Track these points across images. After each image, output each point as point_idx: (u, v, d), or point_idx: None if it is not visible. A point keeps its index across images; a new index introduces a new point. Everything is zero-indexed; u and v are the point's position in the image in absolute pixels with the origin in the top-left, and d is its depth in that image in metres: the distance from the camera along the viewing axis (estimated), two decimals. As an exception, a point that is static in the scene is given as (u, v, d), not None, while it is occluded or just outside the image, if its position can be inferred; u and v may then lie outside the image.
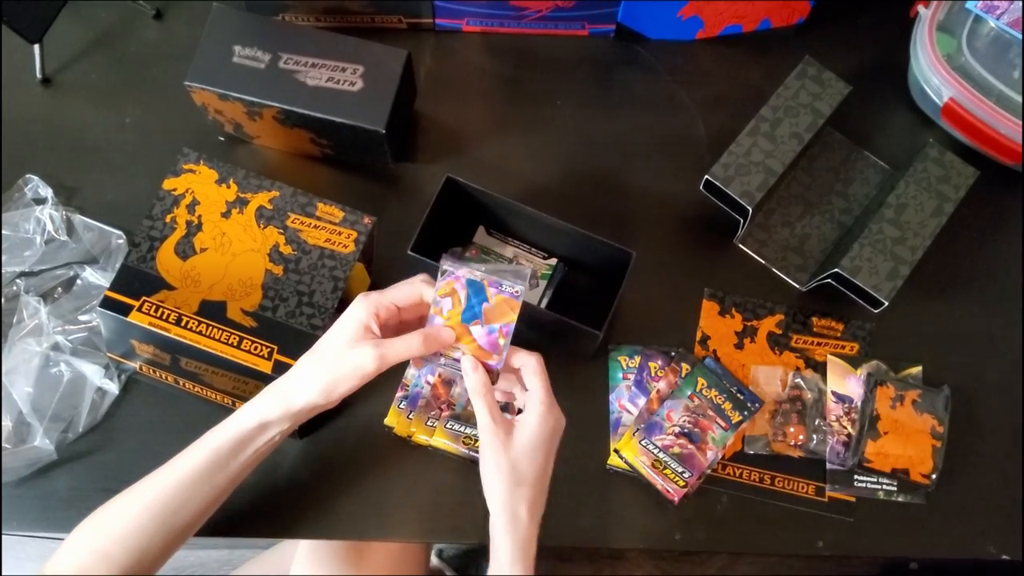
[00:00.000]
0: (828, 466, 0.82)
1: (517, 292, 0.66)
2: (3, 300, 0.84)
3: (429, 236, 0.81)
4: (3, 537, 0.77)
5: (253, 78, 0.82)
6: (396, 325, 0.67)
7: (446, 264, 0.66)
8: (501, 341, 0.65)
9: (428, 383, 0.83)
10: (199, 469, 0.66)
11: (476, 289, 0.66)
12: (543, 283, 0.85)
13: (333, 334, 0.65)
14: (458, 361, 0.66)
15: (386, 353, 0.63)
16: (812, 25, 0.99)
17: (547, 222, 0.80)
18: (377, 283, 0.86)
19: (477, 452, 0.80)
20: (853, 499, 0.82)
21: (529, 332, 0.79)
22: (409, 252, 0.78)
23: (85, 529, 0.66)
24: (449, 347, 0.66)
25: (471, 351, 0.66)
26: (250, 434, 0.66)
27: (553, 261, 0.86)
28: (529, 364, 0.66)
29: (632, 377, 0.84)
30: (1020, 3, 0.87)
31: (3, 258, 0.85)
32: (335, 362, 0.63)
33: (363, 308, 0.64)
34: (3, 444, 0.78)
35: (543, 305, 0.83)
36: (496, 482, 0.63)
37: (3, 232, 0.85)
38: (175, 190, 0.78)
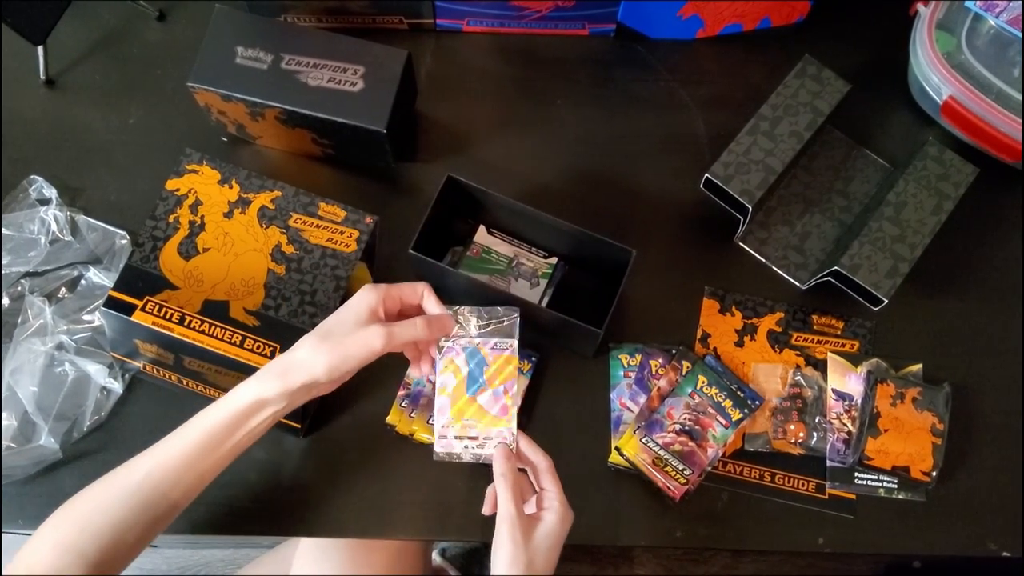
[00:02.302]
0: (828, 463, 0.83)
1: (513, 347, 0.69)
2: (8, 300, 0.85)
3: (430, 235, 0.82)
4: (10, 536, 0.78)
5: (255, 79, 0.83)
6: (396, 319, 0.68)
7: (443, 341, 0.70)
8: (508, 401, 0.68)
9: (430, 382, 0.83)
10: (189, 451, 0.65)
11: (473, 355, 0.69)
12: (543, 282, 0.85)
13: (341, 316, 0.66)
14: (480, 446, 0.69)
15: (393, 332, 0.64)
16: (812, 24, 0.99)
17: (547, 221, 0.80)
18: (379, 282, 0.86)
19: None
20: (853, 496, 0.82)
21: (530, 332, 0.79)
22: (410, 251, 0.78)
23: (55, 522, 0.63)
24: (449, 334, 0.69)
25: (487, 424, 0.68)
26: (246, 411, 0.65)
27: (553, 260, 0.86)
28: (543, 464, 0.68)
29: (633, 375, 0.84)
30: (1019, 1, 0.87)
31: (8, 259, 0.85)
32: (344, 339, 0.64)
33: (374, 294, 0.66)
34: (9, 443, 0.79)
35: (543, 304, 0.84)
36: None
37: (9, 233, 0.86)
38: (178, 190, 0.79)
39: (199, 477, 0.66)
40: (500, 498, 0.65)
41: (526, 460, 0.69)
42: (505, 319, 0.70)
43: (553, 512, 0.66)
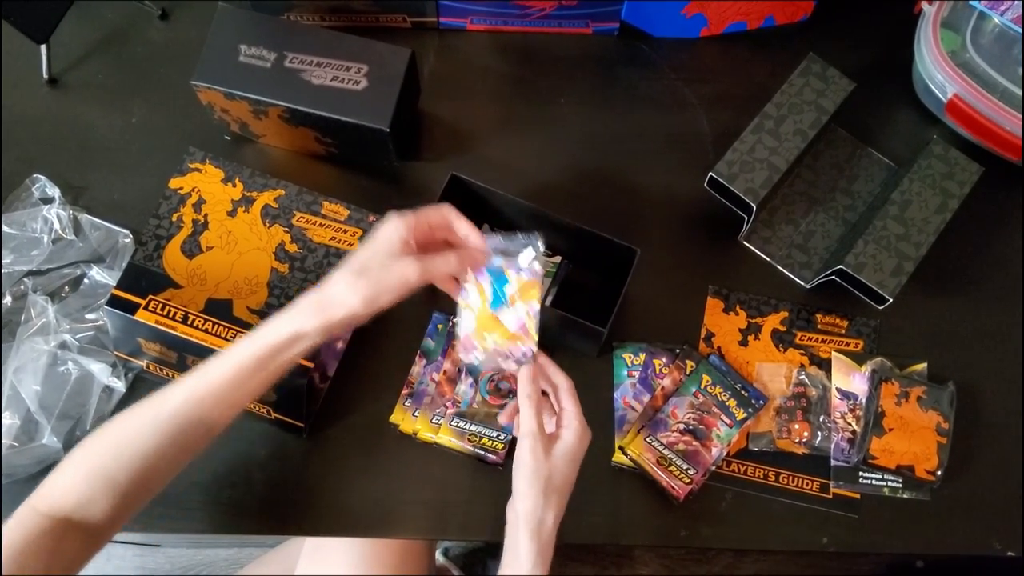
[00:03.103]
0: (833, 463, 0.82)
1: (536, 271, 0.69)
2: (11, 299, 0.84)
3: None
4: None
5: (259, 77, 0.82)
6: (425, 247, 0.68)
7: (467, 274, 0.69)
8: (528, 322, 0.69)
9: (433, 380, 0.83)
10: (224, 380, 0.64)
11: (497, 276, 0.69)
12: (547, 281, 0.85)
13: (373, 248, 0.65)
14: (505, 358, 0.70)
15: (429, 267, 0.64)
16: (816, 22, 0.99)
17: (552, 219, 0.80)
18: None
19: (482, 449, 0.80)
20: (858, 496, 0.82)
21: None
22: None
23: (88, 448, 0.64)
24: (482, 264, 0.69)
25: (507, 340, 0.69)
26: (282, 345, 0.64)
27: (557, 259, 0.86)
28: (564, 385, 0.70)
29: (637, 374, 0.84)
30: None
31: (11, 257, 0.85)
32: (380, 272, 0.64)
33: (403, 224, 0.65)
34: (11, 442, 0.78)
35: (547, 302, 0.84)
36: (529, 487, 0.66)
37: (12, 232, 0.86)
38: (181, 189, 0.79)
39: (232, 406, 0.66)
40: (524, 416, 0.67)
41: (547, 380, 0.71)
42: (528, 246, 0.70)
43: (571, 430, 0.68)
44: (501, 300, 0.69)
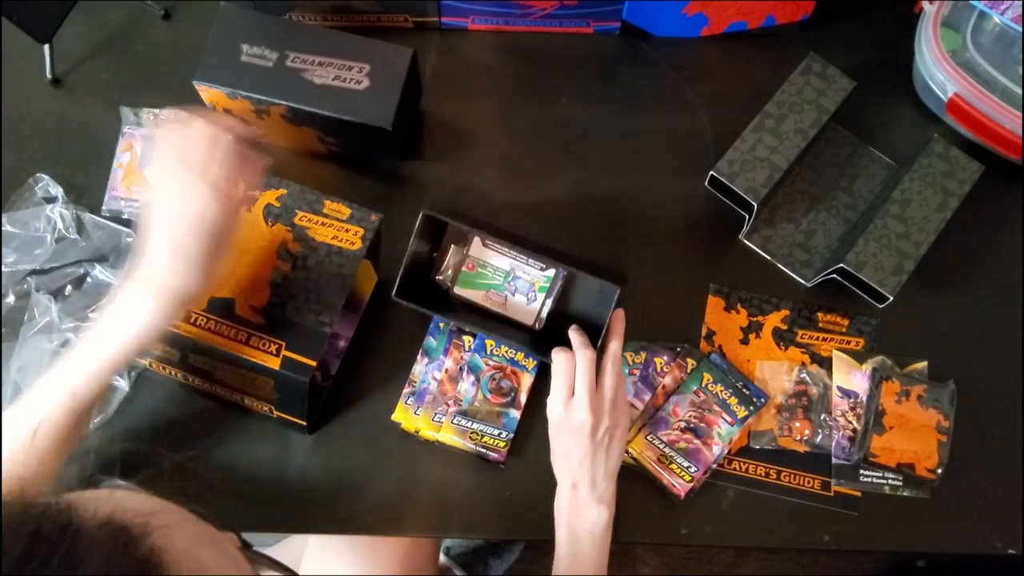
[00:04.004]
0: (834, 461, 0.83)
1: None
2: (14, 298, 0.85)
3: (414, 276, 0.82)
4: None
5: (261, 76, 0.83)
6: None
7: None
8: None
9: (435, 379, 0.83)
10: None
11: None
12: (541, 295, 0.84)
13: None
14: None
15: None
16: (816, 21, 0.99)
17: (536, 246, 0.80)
18: (384, 279, 0.86)
19: (484, 447, 0.80)
20: (859, 494, 0.82)
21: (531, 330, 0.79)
22: (394, 297, 0.78)
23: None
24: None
25: None
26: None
27: (551, 272, 0.85)
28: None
29: (638, 372, 0.84)
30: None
31: (15, 256, 0.85)
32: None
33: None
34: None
35: (543, 315, 0.84)
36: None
37: (15, 231, 0.86)
38: (184, 188, 0.79)
39: None
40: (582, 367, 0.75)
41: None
42: None
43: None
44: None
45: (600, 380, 0.75)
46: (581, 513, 0.74)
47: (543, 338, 0.83)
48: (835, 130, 0.95)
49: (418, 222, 0.79)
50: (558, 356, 0.76)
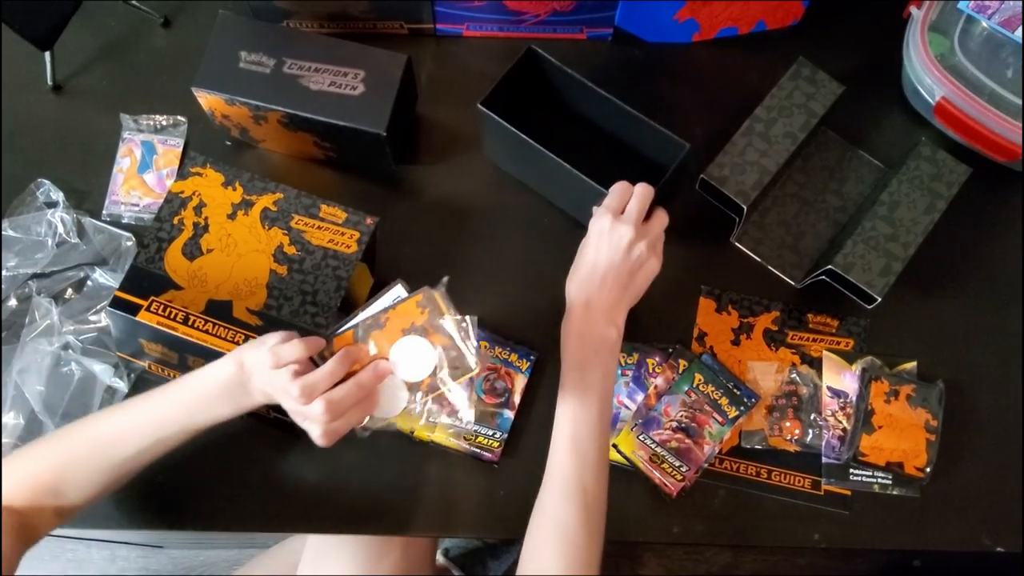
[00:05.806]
0: (824, 460, 0.84)
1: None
2: (16, 301, 0.86)
3: (500, 98, 0.84)
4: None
5: (259, 83, 0.84)
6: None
7: None
8: None
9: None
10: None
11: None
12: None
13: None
14: None
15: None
16: (806, 27, 1.00)
17: (613, 102, 0.84)
18: (380, 282, 0.87)
19: (478, 448, 0.81)
20: (849, 492, 0.83)
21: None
22: (479, 105, 0.81)
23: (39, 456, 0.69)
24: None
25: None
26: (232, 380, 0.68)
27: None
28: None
29: (630, 373, 0.86)
30: (1011, 2, 0.88)
31: (16, 260, 0.87)
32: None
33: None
34: (16, 442, 0.80)
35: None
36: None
37: (16, 235, 0.87)
38: (182, 193, 0.80)
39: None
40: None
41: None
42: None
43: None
44: None
45: (650, 217, 0.77)
46: (591, 328, 0.74)
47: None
48: (824, 134, 0.96)
49: (521, 55, 0.84)
50: (620, 183, 0.78)
